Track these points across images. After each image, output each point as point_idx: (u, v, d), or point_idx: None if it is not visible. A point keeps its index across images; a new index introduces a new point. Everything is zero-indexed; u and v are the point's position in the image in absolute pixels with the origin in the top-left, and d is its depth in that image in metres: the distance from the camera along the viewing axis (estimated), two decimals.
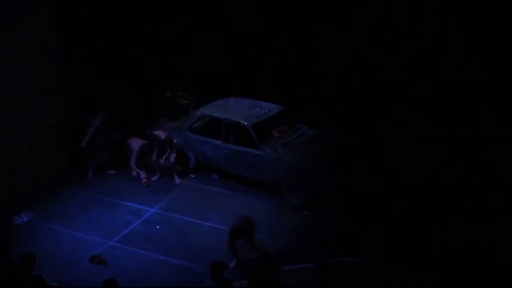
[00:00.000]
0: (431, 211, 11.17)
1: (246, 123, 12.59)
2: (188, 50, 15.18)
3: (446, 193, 11.50)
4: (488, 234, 10.39)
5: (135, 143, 13.17)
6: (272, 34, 14.66)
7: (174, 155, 13.09)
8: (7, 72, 11.70)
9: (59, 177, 12.85)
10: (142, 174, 13.10)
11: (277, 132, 12.89)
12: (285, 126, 13.10)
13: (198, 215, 11.77)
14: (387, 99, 13.84)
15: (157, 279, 10.10)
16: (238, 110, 13.12)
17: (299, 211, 11.90)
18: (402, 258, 9.92)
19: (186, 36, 15.10)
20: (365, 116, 13.77)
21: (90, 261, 10.51)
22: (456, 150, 12.47)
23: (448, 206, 11.21)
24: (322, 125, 13.26)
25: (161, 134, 13.08)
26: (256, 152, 12.39)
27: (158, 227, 11.55)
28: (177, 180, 13.14)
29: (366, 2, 14.09)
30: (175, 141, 13.22)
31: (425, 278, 9.43)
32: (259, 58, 14.76)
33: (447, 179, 11.80)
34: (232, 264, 10.10)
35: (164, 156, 13.13)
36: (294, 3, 14.49)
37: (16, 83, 11.87)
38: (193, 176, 13.46)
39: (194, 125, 13.42)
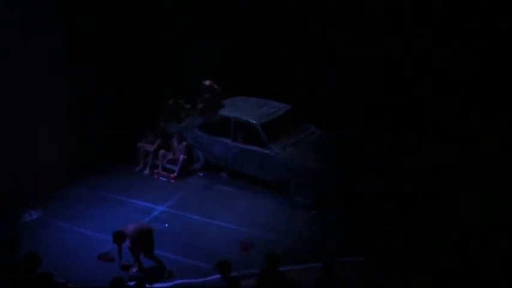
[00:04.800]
0: (433, 211, 11.14)
1: (254, 122, 12.60)
2: (188, 50, 15.17)
3: (448, 194, 11.47)
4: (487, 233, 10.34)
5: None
6: (272, 34, 14.63)
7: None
8: (11, 73, 11.75)
9: (67, 175, 12.92)
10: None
11: (285, 132, 12.90)
12: (293, 125, 13.11)
13: (207, 213, 11.81)
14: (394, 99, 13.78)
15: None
16: (247, 109, 13.15)
17: (307, 211, 11.90)
18: (409, 258, 9.90)
19: (186, 36, 15.06)
20: (374, 115, 13.72)
21: (99, 259, 10.58)
22: (461, 152, 12.39)
23: (449, 206, 11.20)
24: (331, 124, 13.24)
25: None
26: (265, 151, 12.39)
27: (167, 225, 11.59)
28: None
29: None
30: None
31: (426, 278, 9.41)
32: (260, 58, 14.71)
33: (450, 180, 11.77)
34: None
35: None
36: (293, 3, 14.47)
37: (20, 83, 11.94)
38: (201, 174, 13.50)
39: (203, 123, 13.45)
